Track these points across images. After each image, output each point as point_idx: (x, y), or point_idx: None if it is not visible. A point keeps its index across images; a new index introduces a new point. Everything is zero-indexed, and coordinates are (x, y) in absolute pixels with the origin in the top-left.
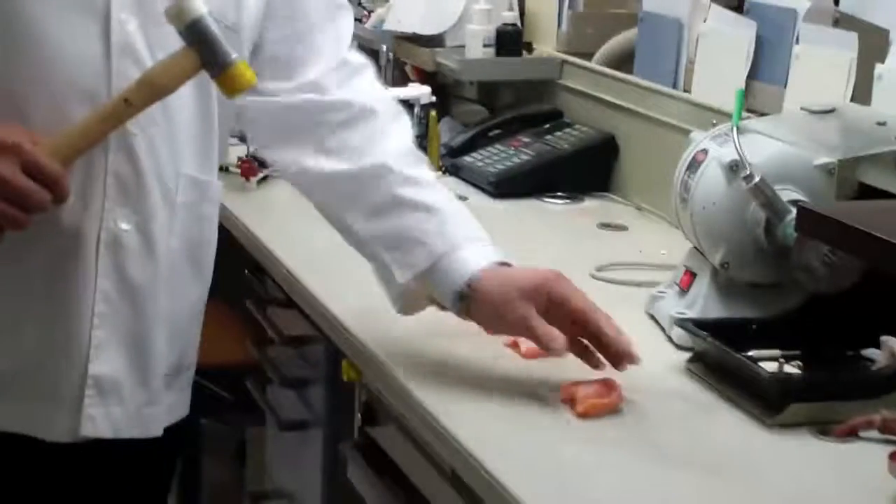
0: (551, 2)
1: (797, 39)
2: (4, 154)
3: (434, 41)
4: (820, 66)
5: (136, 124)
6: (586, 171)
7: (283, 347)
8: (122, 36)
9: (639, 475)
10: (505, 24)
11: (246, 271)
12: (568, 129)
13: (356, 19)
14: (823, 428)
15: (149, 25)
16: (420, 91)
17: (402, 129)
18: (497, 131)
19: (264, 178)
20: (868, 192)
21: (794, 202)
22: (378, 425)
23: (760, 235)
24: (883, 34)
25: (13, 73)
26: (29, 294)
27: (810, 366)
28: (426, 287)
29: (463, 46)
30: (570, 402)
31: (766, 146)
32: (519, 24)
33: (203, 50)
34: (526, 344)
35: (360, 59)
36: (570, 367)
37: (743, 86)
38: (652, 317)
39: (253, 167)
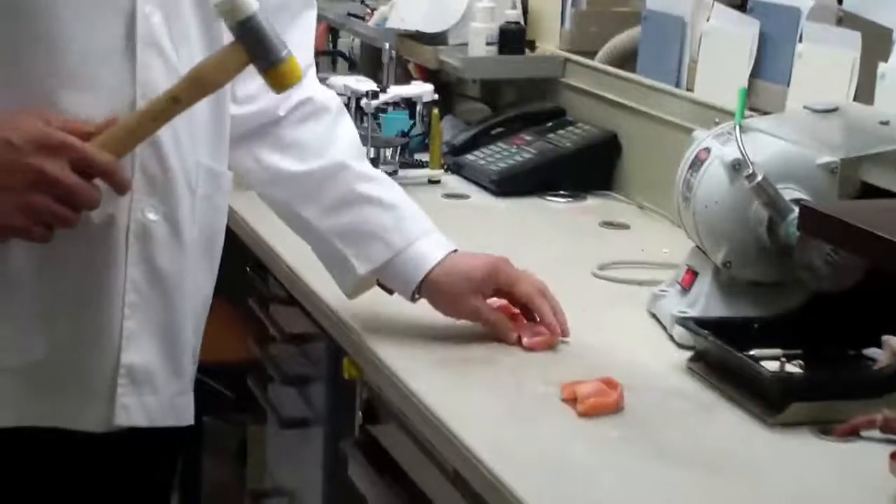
0: (554, 0)
1: (800, 38)
2: (53, 153)
3: (437, 39)
4: (823, 65)
5: None
6: (589, 169)
7: (285, 345)
8: (146, 29)
9: (640, 474)
10: (508, 23)
11: (248, 269)
12: (570, 128)
13: (360, 17)
14: (825, 427)
15: (172, 18)
16: (423, 89)
17: (349, 124)
18: (500, 129)
19: None
20: (870, 192)
21: (797, 201)
22: (379, 423)
23: (763, 234)
24: (886, 33)
25: (42, 66)
26: (61, 287)
27: (812, 365)
28: (381, 276)
29: (466, 44)
30: (572, 401)
31: (768, 145)
32: (522, 22)
33: (255, 46)
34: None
35: (309, 60)
36: (571, 367)
37: (746, 84)
38: (654, 315)
39: None
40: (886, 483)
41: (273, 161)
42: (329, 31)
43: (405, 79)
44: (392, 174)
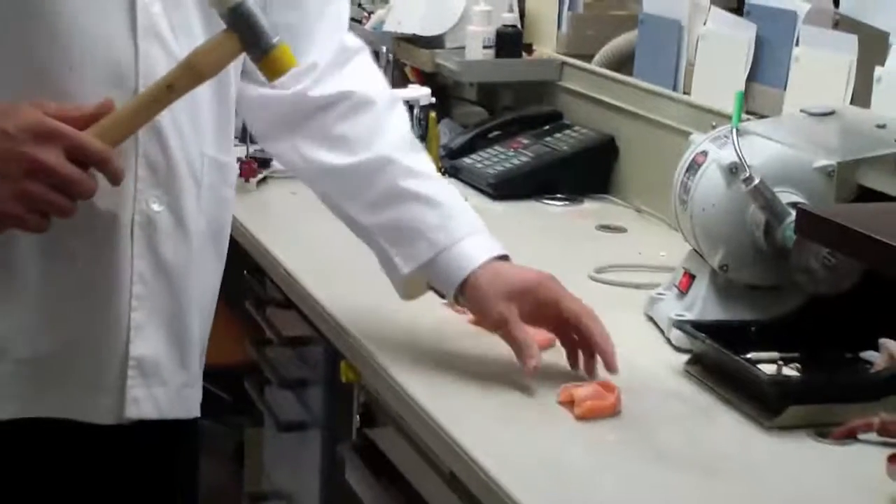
0: (551, 3)
1: (797, 42)
2: (47, 140)
3: (434, 42)
4: (820, 69)
5: None
6: (586, 172)
7: (282, 348)
8: (147, 18)
9: (637, 477)
10: (505, 26)
11: (245, 272)
12: (567, 131)
13: (357, 20)
14: (822, 430)
15: (172, 8)
16: (419, 92)
17: (400, 118)
18: (496, 133)
19: (264, 180)
20: (867, 195)
21: (794, 204)
22: (376, 426)
23: (760, 237)
24: (883, 36)
25: (46, 55)
26: (68, 280)
27: (809, 368)
28: (427, 276)
29: (463, 48)
30: (569, 404)
31: (765, 148)
32: (519, 25)
33: (246, 33)
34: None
35: (356, 42)
36: (568, 370)
37: (742, 88)
38: (651, 318)
39: (253, 168)
40: (884, 486)
41: (316, 154)
42: None
43: (402, 82)
44: None
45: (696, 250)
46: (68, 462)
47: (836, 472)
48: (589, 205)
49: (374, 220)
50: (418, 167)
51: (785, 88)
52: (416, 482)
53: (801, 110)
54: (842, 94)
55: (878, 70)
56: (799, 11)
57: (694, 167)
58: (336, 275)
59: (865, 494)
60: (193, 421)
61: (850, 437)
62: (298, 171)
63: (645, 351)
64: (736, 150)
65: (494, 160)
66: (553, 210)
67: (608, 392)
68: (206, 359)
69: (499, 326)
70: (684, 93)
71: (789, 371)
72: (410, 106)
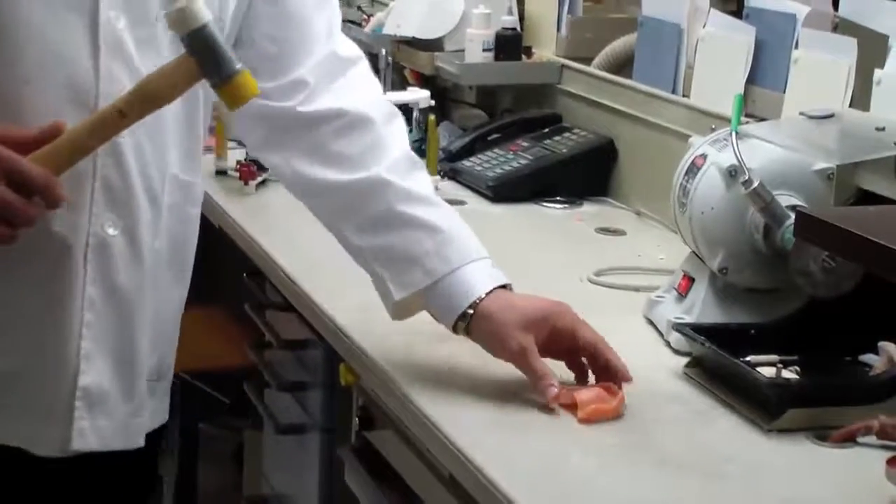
0: (551, 6)
1: (796, 44)
2: None
3: (433, 45)
4: (819, 72)
5: None
6: (585, 175)
7: (281, 351)
8: (110, 34)
9: (637, 480)
10: (504, 29)
11: (244, 275)
12: (567, 134)
13: (356, 23)
14: (821, 433)
15: (137, 24)
16: (419, 95)
17: (398, 135)
18: (496, 135)
19: (263, 182)
20: (867, 198)
21: (793, 207)
22: (375, 429)
23: (759, 240)
24: (882, 39)
25: (1, 72)
26: (19, 305)
27: (808, 371)
28: (423, 302)
29: (462, 50)
30: (570, 406)
31: (764, 151)
32: (518, 28)
33: (206, 59)
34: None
35: (352, 50)
36: (569, 372)
37: (742, 91)
38: (650, 321)
39: (252, 171)
40: (883, 489)
41: (309, 170)
42: None
43: (401, 85)
44: None
45: (695, 253)
46: (16, 489)
47: (836, 474)
48: (588, 207)
49: (368, 242)
50: (416, 190)
51: (784, 91)
52: (415, 485)
53: (801, 113)
54: (841, 97)
55: (877, 73)
56: (798, 14)
57: (693, 170)
58: (335, 278)
59: (865, 497)
60: (139, 450)
61: (850, 439)
62: (291, 186)
63: (644, 354)
64: (735, 152)
65: (494, 163)
66: (552, 213)
67: (612, 395)
68: (205, 362)
69: (517, 358)
70: (684, 96)
71: (789, 374)
72: (410, 109)
